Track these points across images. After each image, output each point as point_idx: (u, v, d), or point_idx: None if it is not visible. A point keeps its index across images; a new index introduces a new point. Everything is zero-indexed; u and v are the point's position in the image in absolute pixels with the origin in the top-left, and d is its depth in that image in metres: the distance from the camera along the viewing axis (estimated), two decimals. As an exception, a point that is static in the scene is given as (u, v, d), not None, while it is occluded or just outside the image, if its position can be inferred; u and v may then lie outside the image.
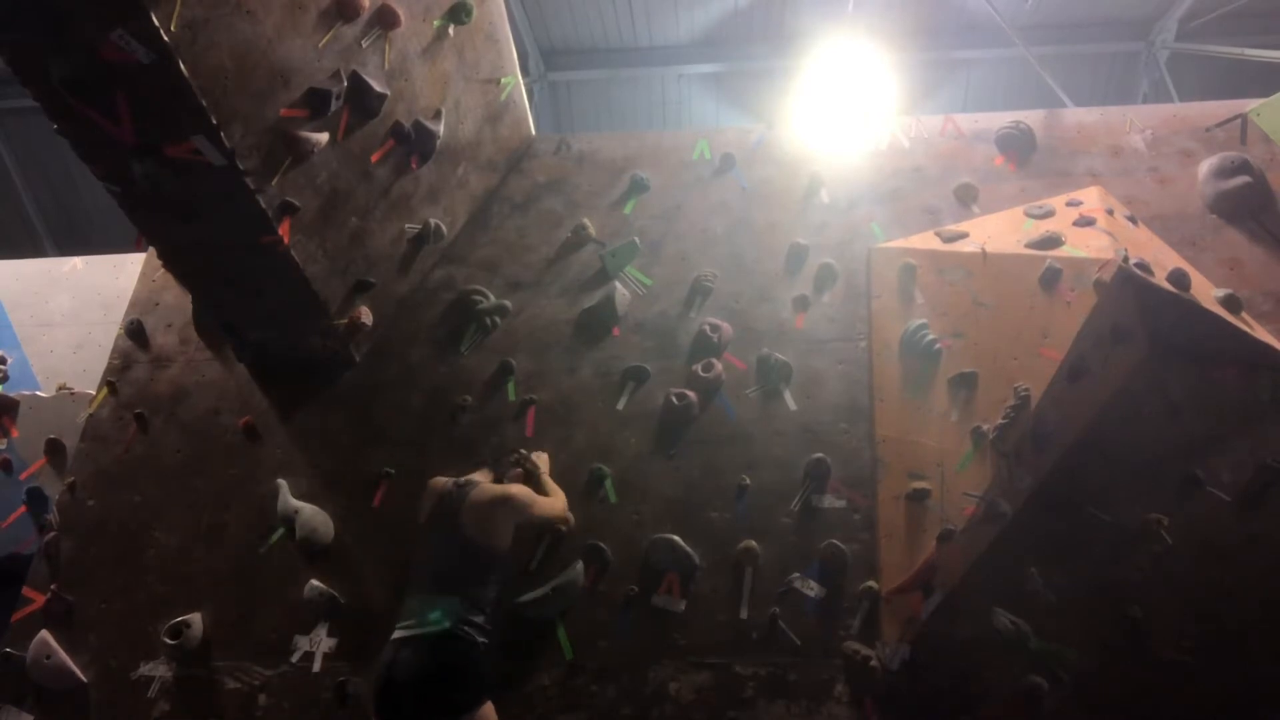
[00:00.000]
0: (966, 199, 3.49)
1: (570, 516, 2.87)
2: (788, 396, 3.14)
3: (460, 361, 3.35)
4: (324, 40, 2.67)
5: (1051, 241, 2.86)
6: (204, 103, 2.34)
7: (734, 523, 2.93)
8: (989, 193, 3.49)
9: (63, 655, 2.92)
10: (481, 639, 2.36)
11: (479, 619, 2.38)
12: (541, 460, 2.93)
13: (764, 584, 2.83)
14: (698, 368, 3.16)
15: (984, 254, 2.99)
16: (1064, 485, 2.82)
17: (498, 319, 3.43)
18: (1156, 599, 2.69)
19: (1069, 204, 3.09)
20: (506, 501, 2.59)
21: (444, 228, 3.49)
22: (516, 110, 3.82)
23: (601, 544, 2.91)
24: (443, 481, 2.70)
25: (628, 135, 3.96)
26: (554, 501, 2.77)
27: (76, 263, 4.98)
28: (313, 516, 3.02)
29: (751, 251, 3.49)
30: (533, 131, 4.00)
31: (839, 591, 2.80)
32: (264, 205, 2.64)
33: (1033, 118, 3.69)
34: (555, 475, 2.97)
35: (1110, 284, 2.62)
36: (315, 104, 2.70)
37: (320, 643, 2.87)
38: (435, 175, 3.38)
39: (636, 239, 3.55)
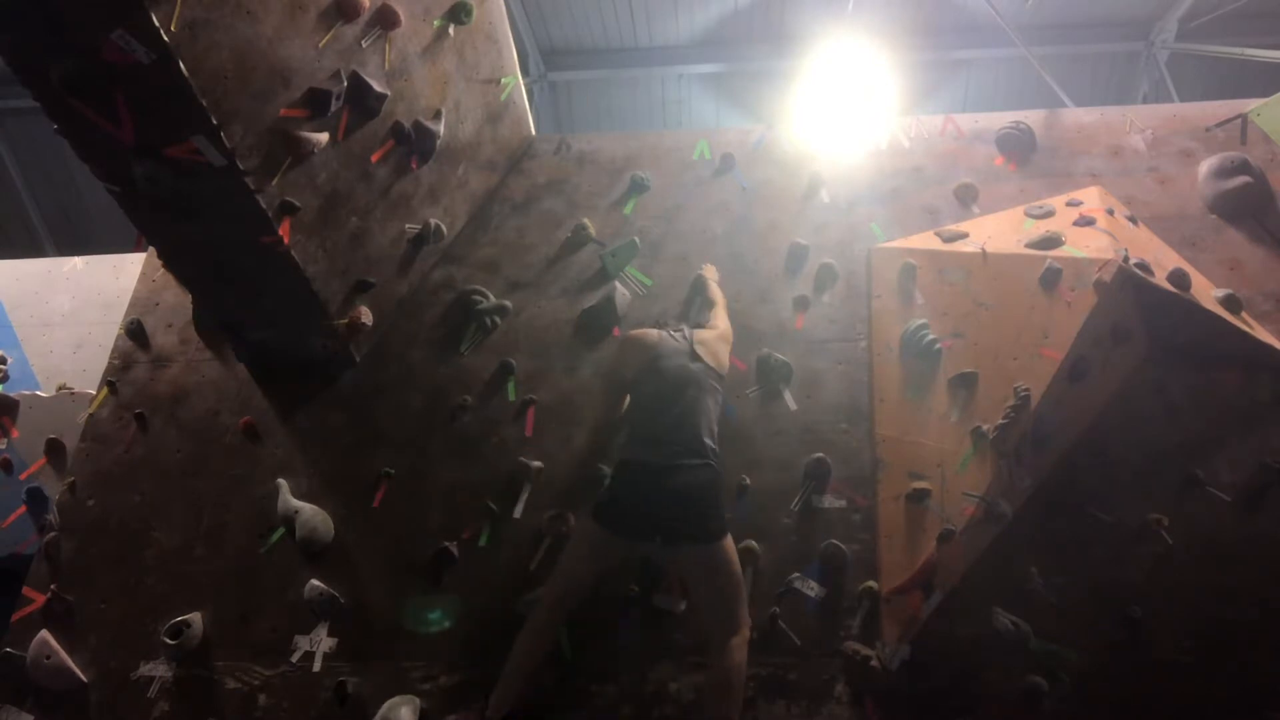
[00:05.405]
0: (966, 199, 3.49)
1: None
2: (788, 396, 3.14)
3: (460, 361, 3.35)
4: (324, 40, 2.67)
5: (1051, 241, 2.86)
6: (204, 103, 2.33)
7: (734, 523, 2.91)
8: (989, 193, 3.49)
9: (63, 655, 2.91)
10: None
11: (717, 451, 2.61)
12: (710, 272, 3.34)
13: (764, 584, 2.83)
14: (698, 368, 3.16)
15: (984, 254, 2.99)
16: (1064, 485, 2.83)
17: (498, 319, 3.43)
18: (1156, 599, 2.69)
19: (1069, 204, 3.10)
20: (728, 338, 2.98)
21: (444, 228, 3.49)
22: (516, 110, 3.82)
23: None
24: (652, 333, 2.89)
25: (628, 135, 3.95)
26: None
27: (76, 263, 4.98)
28: (313, 516, 3.02)
29: (751, 251, 3.49)
30: (533, 131, 4.00)
31: (839, 591, 2.80)
32: (264, 205, 2.64)
33: (1033, 118, 3.69)
34: (555, 475, 3.03)
35: (1110, 284, 2.62)
36: (315, 104, 2.69)
37: (320, 643, 2.87)
38: (435, 175, 3.38)
39: (636, 239, 3.55)
